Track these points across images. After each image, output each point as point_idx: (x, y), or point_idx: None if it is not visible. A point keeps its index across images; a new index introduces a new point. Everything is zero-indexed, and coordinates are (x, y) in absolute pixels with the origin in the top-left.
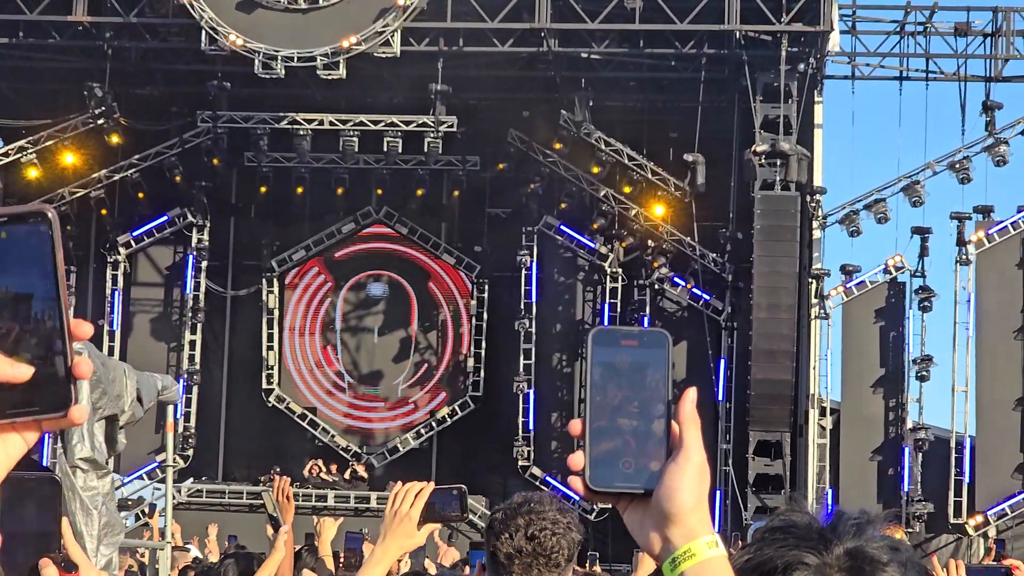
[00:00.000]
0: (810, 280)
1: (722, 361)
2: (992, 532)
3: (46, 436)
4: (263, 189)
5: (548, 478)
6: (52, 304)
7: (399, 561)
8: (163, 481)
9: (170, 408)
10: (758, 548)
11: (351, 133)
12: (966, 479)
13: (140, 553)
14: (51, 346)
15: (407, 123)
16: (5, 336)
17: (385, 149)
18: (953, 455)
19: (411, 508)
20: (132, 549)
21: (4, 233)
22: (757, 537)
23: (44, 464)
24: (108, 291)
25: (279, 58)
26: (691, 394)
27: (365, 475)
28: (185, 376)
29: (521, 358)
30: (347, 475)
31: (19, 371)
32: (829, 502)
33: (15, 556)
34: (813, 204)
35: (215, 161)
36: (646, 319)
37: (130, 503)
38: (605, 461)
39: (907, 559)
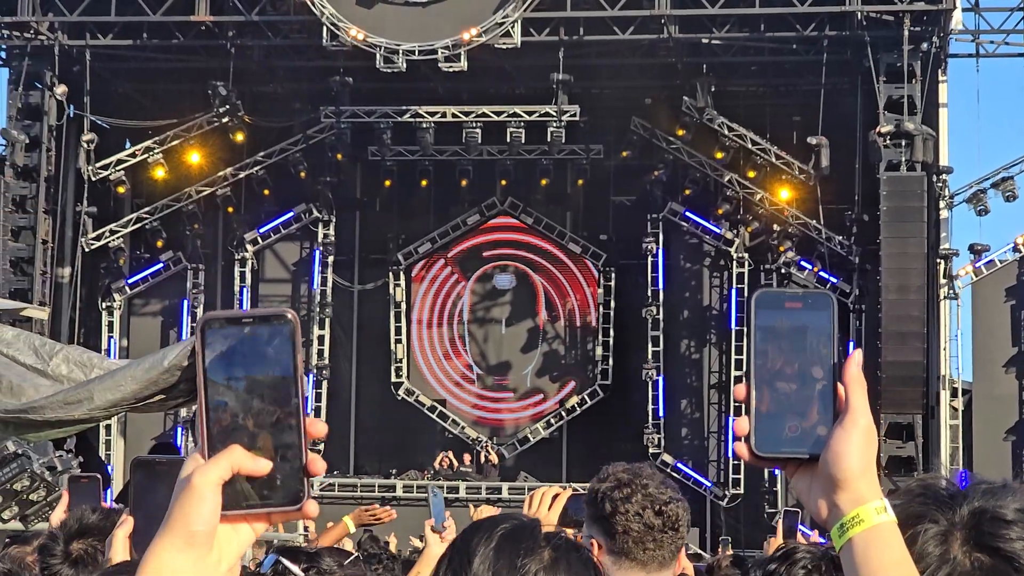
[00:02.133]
0: (938, 260)
1: (851, 344)
2: None
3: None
4: (387, 183)
5: (679, 465)
6: (291, 402)
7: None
8: None
9: None
10: (892, 505)
11: (474, 125)
12: None
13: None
14: (289, 442)
15: (529, 113)
16: (247, 431)
17: (508, 140)
18: None
19: (549, 511)
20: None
21: (249, 332)
22: (897, 498)
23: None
24: (236, 288)
25: (400, 52)
26: (857, 356)
27: (496, 460)
28: (314, 371)
29: (649, 345)
30: (482, 459)
31: (259, 465)
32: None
33: (148, 539)
34: (939, 184)
35: (339, 156)
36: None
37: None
38: (770, 426)
39: None
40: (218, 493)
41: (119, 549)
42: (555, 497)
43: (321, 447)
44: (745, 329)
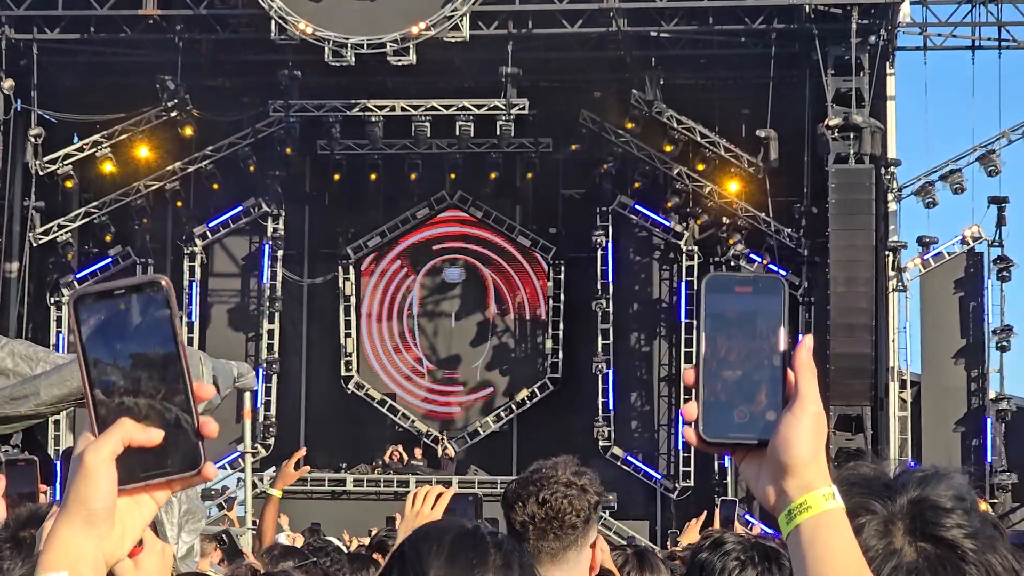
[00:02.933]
0: (887, 253)
1: (799, 336)
2: None
3: None
4: (336, 177)
5: (629, 457)
6: (175, 368)
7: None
8: (244, 470)
9: (247, 395)
10: None
11: (423, 118)
12: None
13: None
14: (178, 409)
15: (479, 107)
16: (135, 403)
17: (457, 133)
18: None
19: (432, 510)
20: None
21: (123, 304)
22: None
23: None
24: (185, 282)
25: (349, 45)
26: (807, 342)
27: (452, 454)
28: (264, 365)
29: (599, 338)
30: (439, 453)
31: (150, 435)
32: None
33: None
34: (888, 176)
35: (288, 150)
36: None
37: (213, 493)
38: (719, 411)
39: (971, 506)
40: (112, 469)
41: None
42: (438, 496)
43: (271, 440)
44: (695, 314)
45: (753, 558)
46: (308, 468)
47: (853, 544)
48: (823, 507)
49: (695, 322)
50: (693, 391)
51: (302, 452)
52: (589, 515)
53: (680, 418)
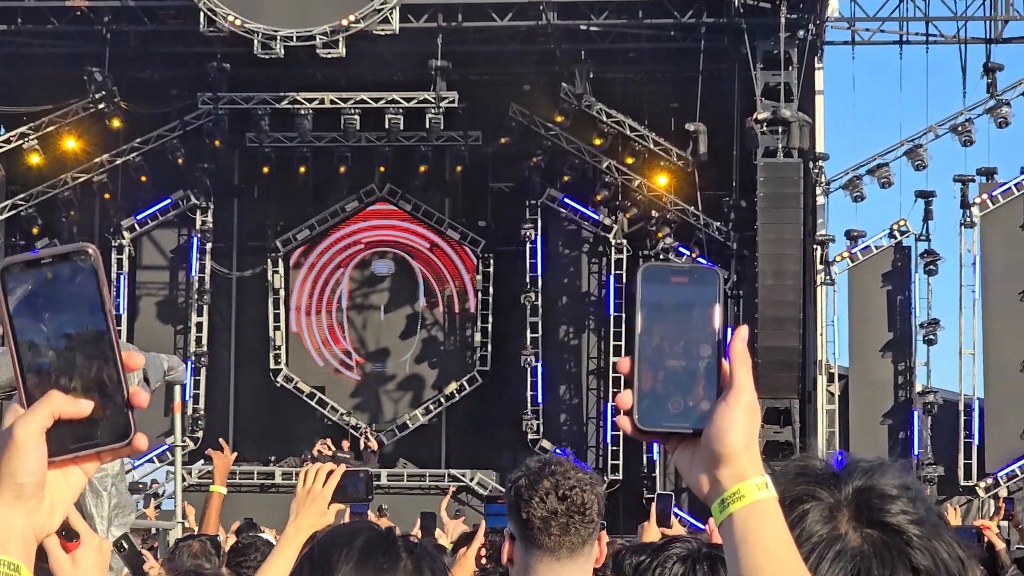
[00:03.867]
0: (815, 246)
1: (729, 329)
2: (1003, 493)
3: None
4: (265, 169)
5: (558, 450)
6: (104, 338)
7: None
8: (173, 463)
9: (177, 389)
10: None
11: (352, 111)
12: (975, 441)
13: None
14: (107, 379)
15: (408, 100)
16: (63, 373)
17: (387, 126)
18: (962, 418)
19: (324, 487)
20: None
21: (50, 273)
22: (778, 479)
23: None
24: (113, 275)
25: (278, 38)
26: (742, 332)
27: (376, 446)
28: (193, 358)
29: (528, 332)
30: (362, 446)
31: (80, 406)
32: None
33: None
34: (816, 170)
35: (217, 143)
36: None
37: (141, 486)
38: (654, 400)
39: (916, 495)
40: (41, 442)
41: None
42: (330, 473)
43: (199, 433)
44: (630, 302)
45: (699, 563)
46: (235, 454)
47: (785, 533)
48: (756, 496)
49: (632, 311)
50: (627, 379)
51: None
52: (602, 508)
53: (609, 410)
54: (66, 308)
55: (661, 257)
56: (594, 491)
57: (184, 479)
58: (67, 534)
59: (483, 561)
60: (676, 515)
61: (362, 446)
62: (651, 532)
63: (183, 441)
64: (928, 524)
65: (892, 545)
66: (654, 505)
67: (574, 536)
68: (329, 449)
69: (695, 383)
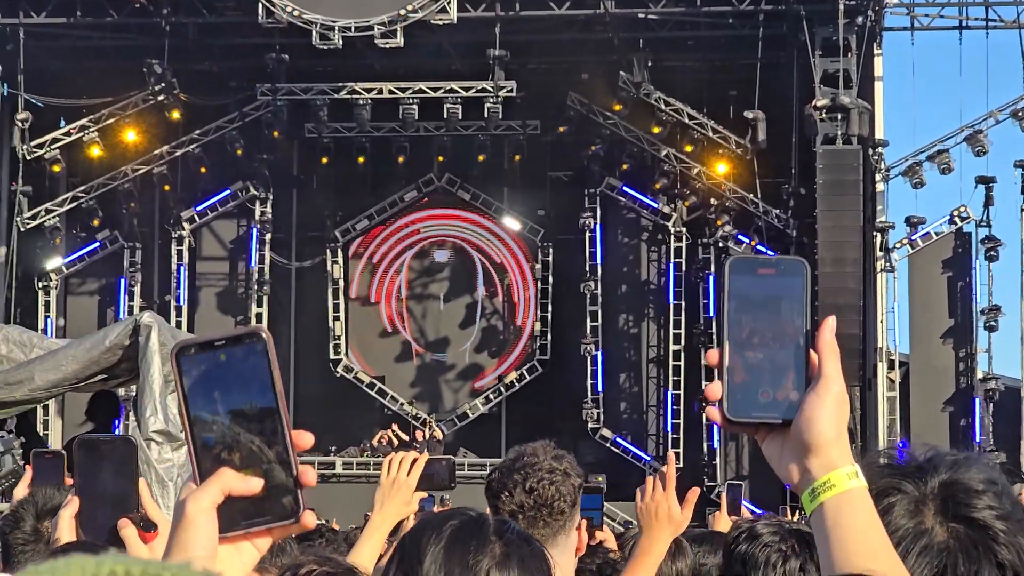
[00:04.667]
0: (874, 233)
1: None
2: None
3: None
4: (324, 160)
5: (618, 439)
6: (274, 417)
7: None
8: None
9: None
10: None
11: (411, 101)
12: None
13: None
14: (277, 458)
15: (466, 89)
16: (235, 451)
17: (445, 116)
18: None
19: (408, 476)
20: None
21: (223, 356)
22: (863, 471)
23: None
24: (173, 266)
25: (336, 28)
26: (831, 323)
27: (440, 436)
28: None
29: (587, 320)
30: (421, 436)
31: (250, 484)
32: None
33: (94, 518)
34: (875, 157)
35: (276, 134)
36: (711, 277)
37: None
38: (743, 391)
39: (1002, 490)
40: (212, 518)
41: (65, 529)
42: (413, 462)
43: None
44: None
45: (794, 547)
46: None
47: (876, 522)
48: (846, 485)
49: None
50: (717, 370)
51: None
52: (575, 499)
53: (669, 398)
54: (238, 388)
55: (720, 245)
56: (566, 483)
57: None
58: (145, 525)
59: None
60: (744, 506)
61: (426, 435)
62: (722, 521)
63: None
64: (1014, 519)
65: (978, 541)
66: (724, 495)
67: (543, 528)
68: (390, 439)
69: (784, 374)
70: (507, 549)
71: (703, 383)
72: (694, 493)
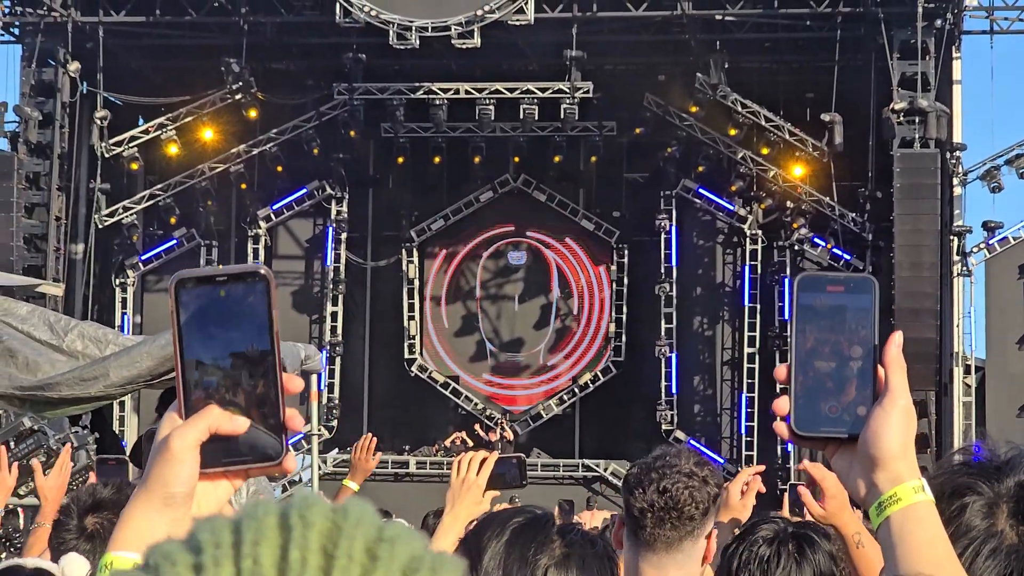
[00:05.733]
0: (951, 237)
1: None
2: None
3: None
4: (400, 160)
5: (692, 442)
6: (268, 359)
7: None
8: (309, 452)
9: (313, 378)
10: (936, 477)
11: (487, 101)
12: None
13: None
14: (266, 399)
15: (543, 90)
16: (225, 389)
17: (521, 116)
18: None
19: (478, 476)
20: None
21: (223, 291)
22: (941, 469)
23: None
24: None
25: (413, 28)
26: (897, 338)
27: (512, 436)
28: (328, 347)
29: (662, 322)
30: (494, 436)
31: (236, 423)
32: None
33: None
34: (953, 161)
35: (352, 133)
36: (786, 280)
37: (278, 475)
38: (810, 406)
39: None
40: (196, 454)
41: None
42: (483, 461)
43: (334, 423)
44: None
45: (786, 543)
46: (380, 456)
47: (942, 535)
48: (913, 499)
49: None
50: (785, 386)
51: (371, 439)
52: (708, 507)
53: (743, 401)
54: (235, 326)
55: (796, 248)
56: (703, 489)
57: (319, 468)
58: None
59: None
60: None
61: (498, 436)
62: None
63: (319, 430)
64: None
65: None
66: (787, 496)
67: (669, 531)
68: (464, 441)
69: (851, 388)
70: (568, 550)
71: (777, 387)
72: (756, 481)
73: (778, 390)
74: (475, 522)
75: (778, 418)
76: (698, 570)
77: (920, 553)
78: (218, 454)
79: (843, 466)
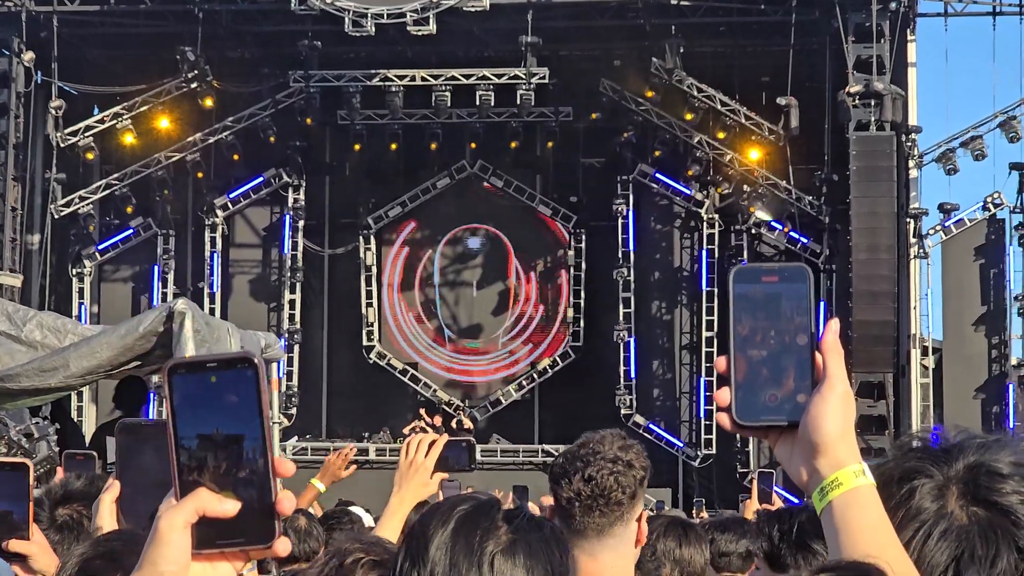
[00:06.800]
0: (908, 220)
1: (822, 304)
2: None
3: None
4: (357, 147)
5: (651, 426)
6: (258, 444)
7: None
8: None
9: (273, 366)
10: (886, 462)
11: (443, 88)
12: None
13: None
14: (257, 483)
15: (499, 76)
16: (215, 473)
17: (478, 103)
18: None
19: (426, 458)
20: None
21: (214, 378)
22: (890, 454)
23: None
24: (207, 253)
25: (369, 15)
26: (833, 325)
27: (470, 426)
28: (286, 335)
29: (620, 307)
30: (453, 425)
31: (225, 507)
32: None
33: (135, 503)
34: (909, 143)
35: (308, 121)
36: (744, 263)
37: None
38: (750, 396)
39: None
40: (184, 535)
41: (106, 514)
42: (431, 444)
43: (293, 410)
44: (724, 302)
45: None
46: (355, 468)
47: (884, 519)
48: (854, 483)
49: (725, 311)
50: (724, 377)
51: (352, 451)
52: (635, 491)
53: (703, 385)
54: (225, 412)
55: (753, 232)
56: (627, 475)
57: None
58: None
59: None
60: (777, 493)
61: (453, 424)
62: (752, 509)
63: (278, 418)
64: None
65: (998, 525)
66: (755, 483)
67: (598, 518)
68: (423, 429)
69: (789, 377)
70: (514, 535)
71: (715, 378)
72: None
73: (715, 382)
74: (423, 510)
75: (720, 409)
76: (631, 552)
77: (863, 536)
78: (211, 535)
79: (785, 453)
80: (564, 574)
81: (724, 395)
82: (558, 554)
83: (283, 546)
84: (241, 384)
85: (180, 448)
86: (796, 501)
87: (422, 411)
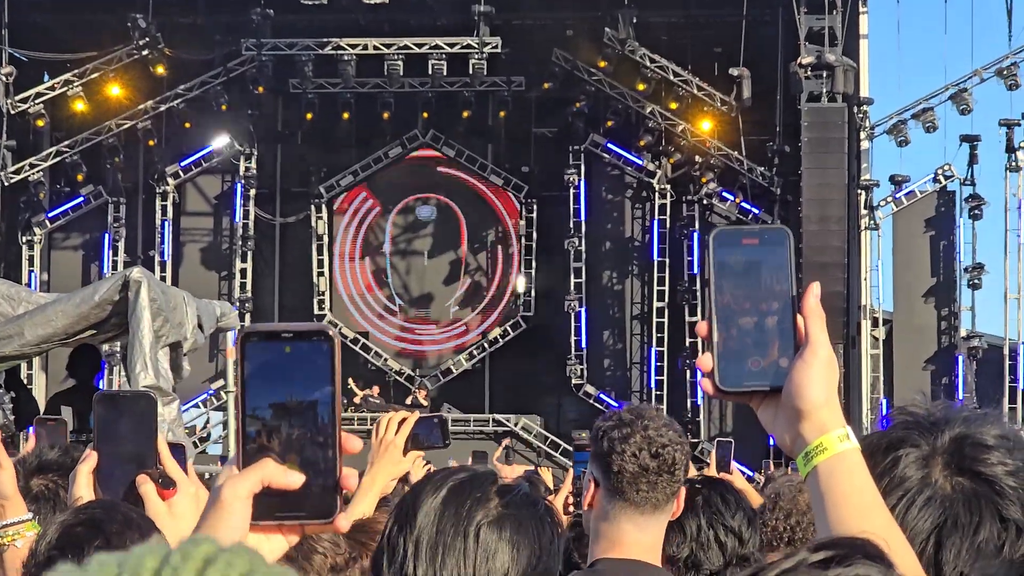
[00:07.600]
0: (859, 191)
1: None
2: None
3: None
4: (309, 116)
5: (602, 395)
6: (328, 418)
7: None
8: (223, 408)
9: (229, 334)
10: (872, 433)
11: (395, 57)
12: (1020, 386)
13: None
14: (323, 456)
15: (451, 45)
16: (281, 444)
17: (430, 72)
18: (1007, 362)
19: (396, 436)
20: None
21: (288, 348)
22: (875, 427)
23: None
24: (158, 221)
25: None
26: (815, 288)
27: (426, 403)
28: (237, 304)
29: (572, 277)
30: (408, 402)
31: (290, 479)
32: (884, 412)
33: (112, 474)
34: (860, 115)
35: (260, 89)
36: (695, 234)
37: (187, 431)
38: (733, 361)
39: (1015, 446)
40: (246, 504)
41: (83, 484)
42: (402, 421)
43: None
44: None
45: None
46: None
47: (869, 483)
48: (838, 448)
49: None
50: (706, 342)
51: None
52: (688, 465)
53: (652, 355)
54: (297, 383)
55: (704, 203)
56: (683, 449)
57: (233, 424)
58: (164, 481)
59: (571, 508)
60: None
61: (409, 401)
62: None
63: (233, 387)
64: (1023, 476)
65: (982, 494)
66: (714, 452)
67: (660, 493)
68: (375, 398)
69: (772, 341)
70: (505, 510)
71: (687, 340)
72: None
73: (700, 347)
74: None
75: (703, 375)
76: (666, 524)
77: (849, 500)
78: (271, 508)
79: (769, 418)
80: (555, 553)
81: (707, 361)
82: (550, 532)
83: (343, 522)
84: (315, 356)
85: (248, 417)
86: (750, 473)
87: (352, 383)
